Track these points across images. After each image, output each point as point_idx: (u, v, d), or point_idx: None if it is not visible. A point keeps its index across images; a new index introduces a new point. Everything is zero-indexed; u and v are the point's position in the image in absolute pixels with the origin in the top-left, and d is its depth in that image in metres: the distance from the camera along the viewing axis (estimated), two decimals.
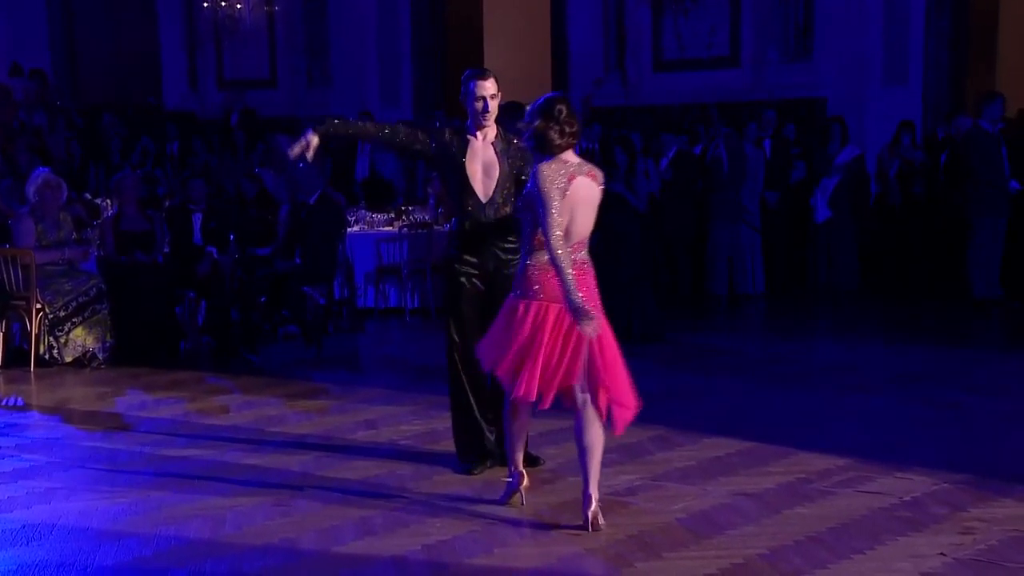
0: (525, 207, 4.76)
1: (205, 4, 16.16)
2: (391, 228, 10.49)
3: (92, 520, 4.97)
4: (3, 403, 7.30)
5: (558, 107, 4.72)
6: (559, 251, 4.52)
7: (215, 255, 8.96)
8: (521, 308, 4.72)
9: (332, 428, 6.50)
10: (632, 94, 14.10)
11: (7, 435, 6.47)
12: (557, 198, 4.56)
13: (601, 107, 13.81)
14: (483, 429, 5.49)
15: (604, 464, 5.47)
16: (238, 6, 16.00)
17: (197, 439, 6.30)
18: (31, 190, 8.56)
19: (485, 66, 16.38)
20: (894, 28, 12.51)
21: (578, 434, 4.71)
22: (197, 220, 9.27)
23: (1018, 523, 4.72)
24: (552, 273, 4.59)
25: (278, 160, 11.76)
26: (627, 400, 4.76)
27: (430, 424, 6.39)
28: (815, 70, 12.87)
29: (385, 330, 9.99)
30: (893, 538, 4.57)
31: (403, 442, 6.10)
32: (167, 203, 10.60)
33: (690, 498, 5.10)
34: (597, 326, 4.60)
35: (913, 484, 5.23)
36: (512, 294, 4.83)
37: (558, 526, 4.79)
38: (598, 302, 4.74)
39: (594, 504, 4.68)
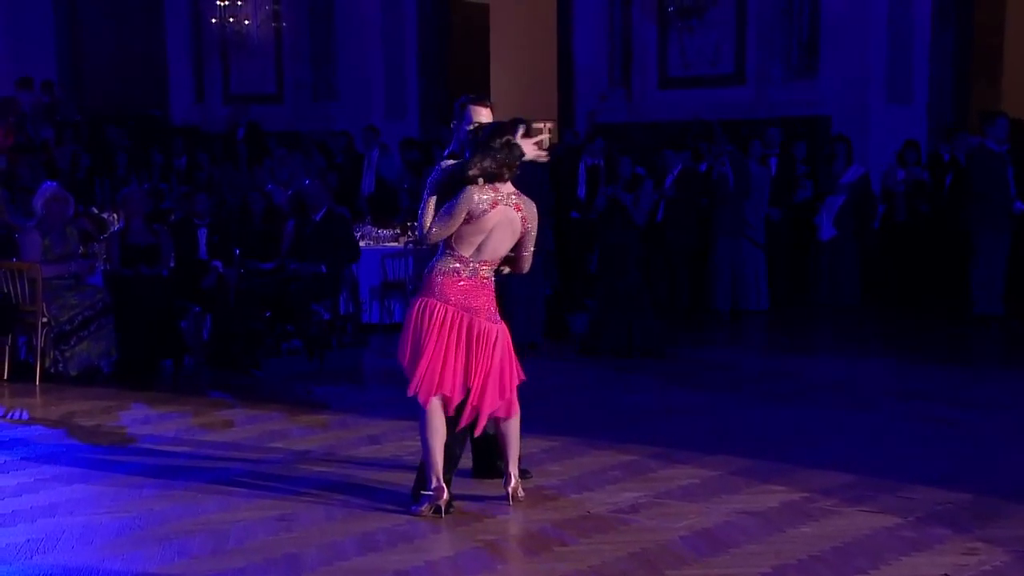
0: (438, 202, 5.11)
1: (212, 19, 16.23)
2: (396, 244, 10.51)
3: (96, 534, 4.99)
4: (8, 417, 7.32)
5: (507, 138, 5.10)
6: (427, 236, 5.06)
7: (220, 269, 8.99)
8: (418, 305, 5.10)
9: (335, 443, 6.51)
10: (636, 110, 14.14)
11: (12, 449, 6.48)
12: (462, 214, 4.98)
13: (605, 123, 13.85)
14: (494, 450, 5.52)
15: (607, 481, 5.51)
16: (245, 21, 16.07)
17: (200, 453, 6.31)
18: (38, 203, 8.59)
19: (491, 81, 16.58)
20: (898, 46, 12.55)
21: (497, 425, 5.25)
22: (202, 234, 9.30)
23: (1022, 543, 4.71)
24: (453, 279, 5.05)
25: (282, 174, 11.82)
26: (485, 406, 5.15)
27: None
28: (819, 88, 12.90)
29: (389, 345, 9.96)
30: (896, 558, 4.58)
31: (406, 457, 6.09)
32: (172, 217, 10.63)
33: (692, 516, 5.11)
34: None
35: (915, 503, 5.23)
36: (417, 294, 5.22)
37: (562, 543, 4.80)
38: (493, 314, 5.15)
39: (513, 480, 5.27)
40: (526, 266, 5.30)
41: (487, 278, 5.16)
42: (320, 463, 6.06)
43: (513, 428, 5.27)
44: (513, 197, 5.13)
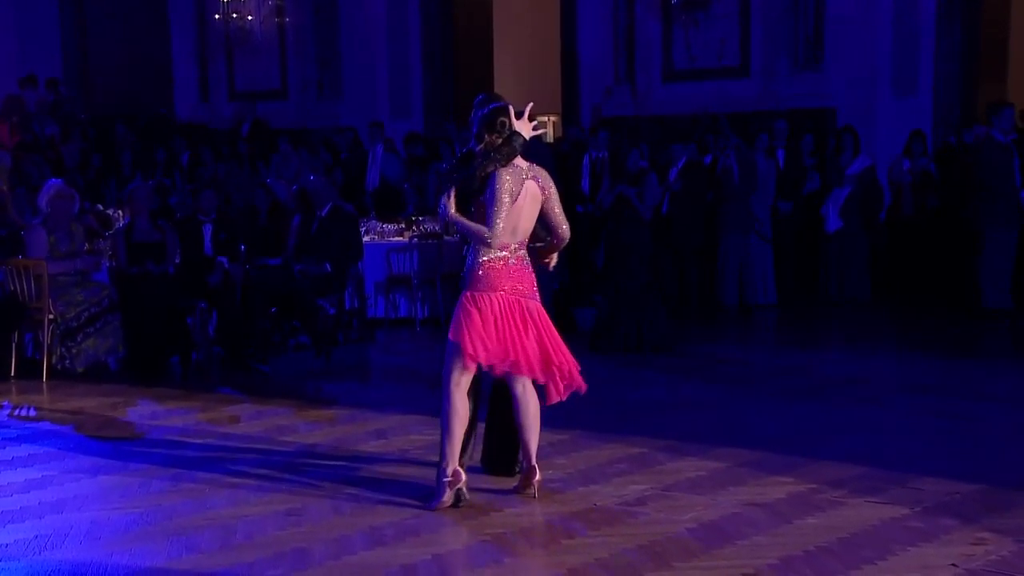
0: (479, 207, 5.15)
1: (217, 16, 16.24)
2: (401, 238, 10.51)
3: (104, 530, 5.00)
4: (16, 413, 7.34)
5: (500, 120, 5.16)
6: (488, 238, 5.06)
7: (226, 265, 9.00)
8: (468, 298, 5.12)
9: (342, 438, 6.52)
10: (641, 104, 14.12)
11: (20, 445, 6.50)
12: (508, 200, 5.06)
13: (610, 117, 13.83)
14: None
15: (614, 474, 5.52)
16: (249, 18, 16.08)
17: (208, 449, 6.32)
18: (44, 201, 8.61)
19: (495, 76, 16.56)
20: (904, 38, 12.51)
21: (516, 415, 5.22)
22: (208, 231, 9.31)
23: None
24: (501, 266, 5.10)
25: (288, 171, 11.83)
26: (571, 376, 5.26)
27: (440, 434, 6.38)
28: (825, 80, 12.87)
29: (395, 340, 10.00)
30: (904, 549, 4.57)
31: (413, 452, 6.10)
32: (178, 214, 10.64)
33: (700, 508, 5.10)
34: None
35: (923, 495, 5.22)
36: (463, 290, 5.20)
37: (569, 536, 4.80)
38: (536, 293, 5.24)
39: (538, 473, 5.22)
40: (566, 232, 5.34)
41: (526, 257, 5.23)
42: (327, 458, 6.07)
43: (537, 417, 5.26)
44: (532, 170, 5.20)
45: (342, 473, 5.75)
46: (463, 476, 5.12)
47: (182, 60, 17.21)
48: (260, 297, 8.79)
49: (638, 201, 9.11)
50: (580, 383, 5.28)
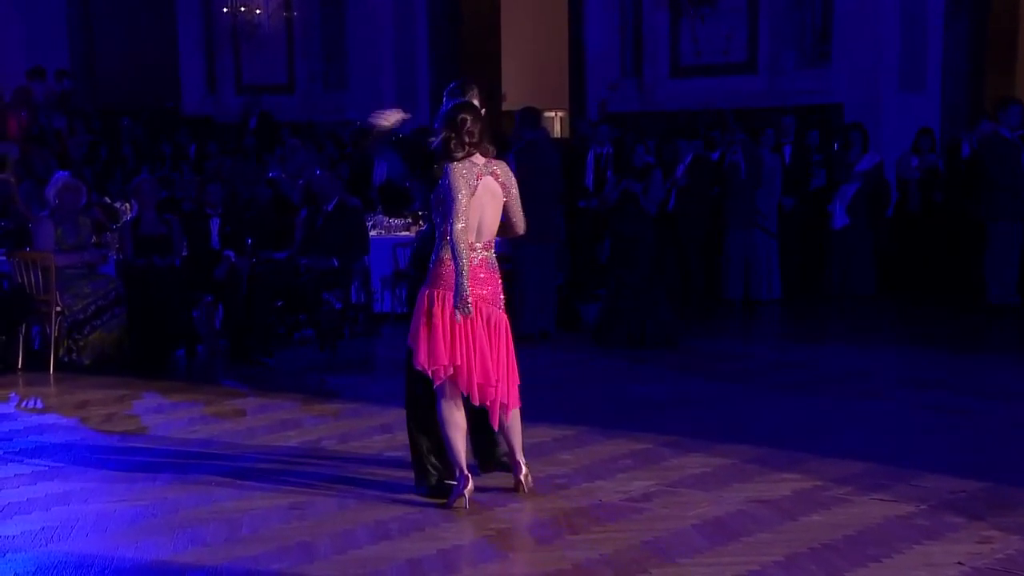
0: (437, 203, 5.02)
1: (224, 9, 16.25)
2: (408, 233, 10.50)
3: (110, 522, 5.01)
4: (22, 405, 7.35)
5: (461, 117, 5.00)
6: (460, 242, 4.85)
7: (232, 259, 9.01)
8: (427, 297, 5.01)
9: (347, 432, 6.52)
10: (648, 99, 14.10)
11: (26, 437, 6.51)
12: (465, 193, 4.89)
13: (616, 112, 13.81)
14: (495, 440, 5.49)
15: (618, 470, 5.51)
16: (256, 11, 16.10)
17: (213, 442, 6.33)
18: (51, 193, 8.62)
19: (502, 70, 16.55)
20: (911, 34, 12.48)
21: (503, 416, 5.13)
22: (214, 224, 9.32)
23: None
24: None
25: (294, 165, 11.81)
26: (510, 399, 5.11)
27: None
28: (832, 76, 12.84)
29: (401, 334, 9.90)
30: (909, 546, 4.56)
31: None
32: (184, 207, 10.65)
33: (704, 504, 5.10)
34: (467, 310, 4.92)
35: (928, 492, 5.21)
36: (425, 284, 5.08)
37: (573, 532, 4.80)
38: (501, 301, 5.10)
39: (524, 468, 5.21)
40: (520, 227, 5.20)
41: (492, 261, 5.09)
42: (332, 452, 6.08)
43: (517, 417, 5.21)
44: (490, 165, 5.04)
45: (347, 467, 5.76)
46: (470, 482, 5.07)
47: (189, 53, 17.22)
48: (266, 291, 8.80)
49: (643, 196, 9.10)
50: (514, 400, 5.13)
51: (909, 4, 12.46)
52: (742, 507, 5.06)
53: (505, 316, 5.13)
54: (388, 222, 10.81)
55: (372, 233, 10.32)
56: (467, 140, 4.96)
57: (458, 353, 4.96)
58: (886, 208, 11.27)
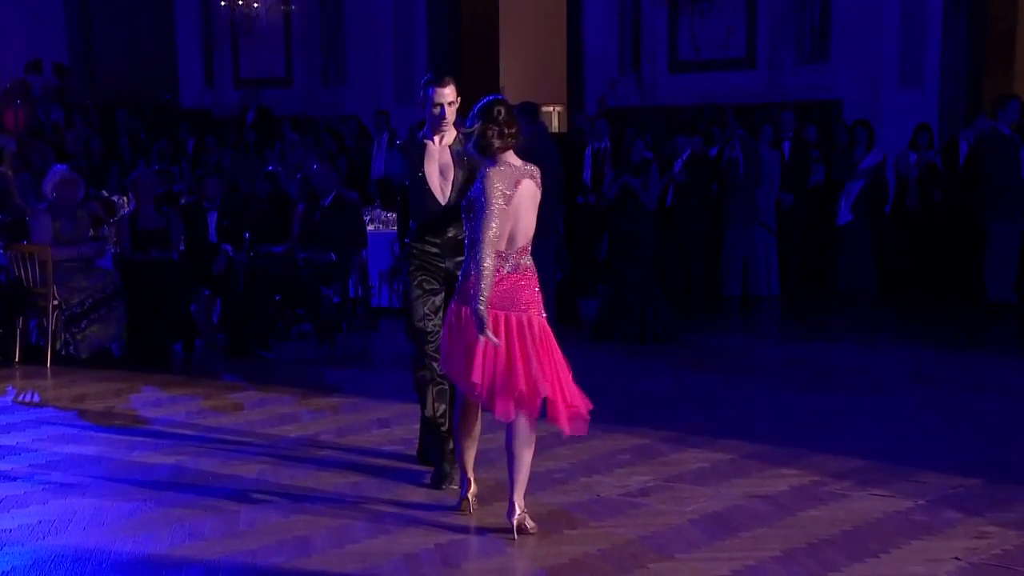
0: (467, 209, 4.75)
1: (223, 3, 16.21)
2: None
3: (107, 516, 5.01)
4: (20, 399, 7.35)
5: (496, 108, 4.77)
6: (488, 254, 4.55)
7: (230, 253, 9.00)
8: (463, 312, 4.67)
9: (345, 426, 6.52)
10: (647, 95, 14.08)
11: (24, 431, 6.51)
12: (500, 203, 4.60)
13: (616, 108, 13.80)
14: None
15: (617, 465, 5.50)
16: (255, 5, 16.05)
17: (211, 436, 6.33)
18: (48, 186, 8.61)
19: (500, 65, 16.53)
20: (910, 30, 12.46)
21: (508, 443, 4.70)
22: (212, 218, 9.31)
23: None
24: (495, 279, 4.59)
25: (293, 159, 11.80)
26: (576, 402, 4.75)
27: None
28: (831, 72, 12.83)
29: (398, 329, 9.92)
30: (907, 542, 4.57)
31: (416, 441, 6.09)
32: (183, 200, 10.64)
33: (703, 499, 5.10)
34: (486, 332, 4.55)
35: (927, 488, 5.22)
36: (454, 299, 4.82)
37: (571, 526, 4.80)
38: (541, 307, 4.76)
39: (518, 511, 4.67)
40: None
41: (529, 268, 4.75)
42: (330, 446, 6.08)
43: (526, 447, 4.71)
44: (527, 168, 4.77)
45: (344, 461, 5.76)
46: (473, 486, 5.03)
47: (187, 47, 17.18)
48: (264, 285, 8.80)
49: (642, 192, 9.09)
50: (579, 426, 4.74)
51: (908, 1, 12.45)
52: (740, 502, 5.06)
53: (541, 317, 4.73)
54: (386, 216, 10.80)
55: (370, 227, 10.31)
56: (506, 131, 4.72)
57: (478, 371, 4.58)
58: (884, 204, 11.26)
